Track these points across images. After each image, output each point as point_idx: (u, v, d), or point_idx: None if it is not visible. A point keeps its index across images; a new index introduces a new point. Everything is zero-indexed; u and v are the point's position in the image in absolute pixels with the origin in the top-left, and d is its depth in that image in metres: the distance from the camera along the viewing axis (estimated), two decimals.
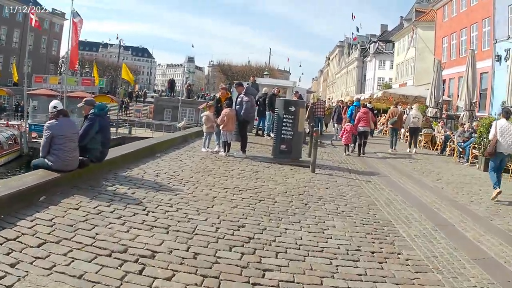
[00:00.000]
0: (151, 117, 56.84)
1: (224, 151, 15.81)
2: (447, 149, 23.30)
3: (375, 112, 31.59)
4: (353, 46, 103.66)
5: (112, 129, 38.96)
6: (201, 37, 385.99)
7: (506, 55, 32.61)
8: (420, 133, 25.57)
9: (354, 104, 23.76)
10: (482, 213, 10.68)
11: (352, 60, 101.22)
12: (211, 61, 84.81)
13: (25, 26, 72.44)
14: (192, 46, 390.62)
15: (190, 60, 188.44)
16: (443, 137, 24.31)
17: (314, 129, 16.32)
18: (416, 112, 23.97)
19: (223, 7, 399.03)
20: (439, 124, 26.25)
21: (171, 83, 63.04)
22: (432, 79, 29.86)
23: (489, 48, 35.07)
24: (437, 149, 24.84)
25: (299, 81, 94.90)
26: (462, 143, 21.02)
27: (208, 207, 8.43)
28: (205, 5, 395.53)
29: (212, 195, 9.48)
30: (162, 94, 76.21)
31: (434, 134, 26.02)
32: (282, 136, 15.39)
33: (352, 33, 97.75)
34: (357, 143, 20.34)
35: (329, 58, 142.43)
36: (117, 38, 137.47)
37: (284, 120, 15.31)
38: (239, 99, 15.96)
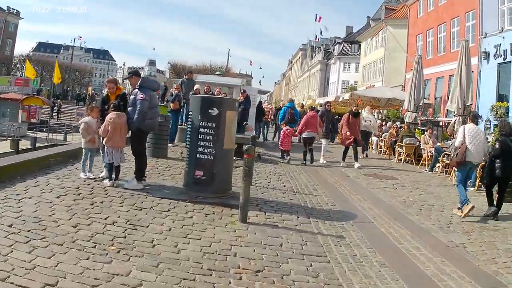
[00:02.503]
0: None
1: (110, 179, 10.00)
2: (439, 165, 17.39)
3: (336, 117, 29.59)
4: (317, 49, 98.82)
5: (43, 135, 34.25)
6: (163, 41, 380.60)
7: (496, 51, 27.46)
8: (400, 143, 20.85)
9: (287, 105, 21.94)
10: None
11: (315, 63, 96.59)
12: (168, 63, 78.98)
13: None
14: (154, 49, 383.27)
15: (152, 63, 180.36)
16: (432, 149, 18.47)
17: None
18: (367, 115, 23.18)
19: (187, 10, 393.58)
20: (426, 133, 20.26)
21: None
22: (411, 79, 24.53)
23: (474, 44, 29.70)
24: (423, 165, 19.14)
25: (260, 84, 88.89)
26: None
27: None
28: (168, 9, 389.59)
29: None
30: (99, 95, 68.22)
31: (419, 145, 20.27)
32: (197, 156, 9.45)
33: (316, 35, 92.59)
34: (302, 151, 17.75)
35: (291, 62, 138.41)
36: (79, 39, 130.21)
37: (200, 130, 9.39)
38: (132, 97, 10.04)
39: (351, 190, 12.53)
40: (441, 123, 28.98)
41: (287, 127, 18.22)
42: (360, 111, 20.32)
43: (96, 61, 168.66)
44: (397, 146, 21.27)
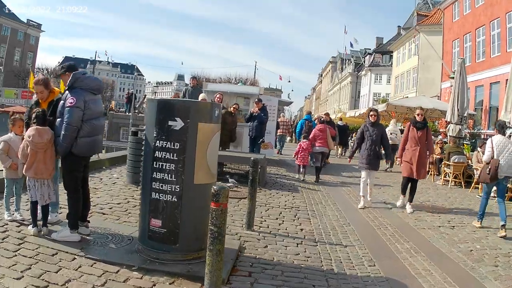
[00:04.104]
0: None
1: (34, 225, 6.58)
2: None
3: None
4: (347, 61, 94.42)
5: None
6: (192, 55, 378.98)
7: None
8: (447, 162, 16.80)
9: (304, 118, 20.46)
10: None
11: (346, 75, 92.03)
12: (191, 74, 75.20)
13: None
14: (182, 64, 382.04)
15: (180, 77, 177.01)
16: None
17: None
18: (393, 127, 21.89)
19: (215, 25, 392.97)
20: (479, 149, 16.14)
21: (130, 97, 46.95)
22: (454, 86, 20.56)
23: None
24: (476, 188, 15.18)
25: (289, 97, 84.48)
26: None
27: None
28: (196, 24, 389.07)
29: None
30: (120, 110, 63.23)
31: (468, 164, 16.44)
32: (152, 195, 5.92)
33: (345, 47, 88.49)
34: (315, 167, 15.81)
35: (321, 75, 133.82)
36: (106, 54, 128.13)
37: (156, 154, 5.88)
38: (61, 103, 6.46)
39: (395, 234, 8.76)
40: (483, 136, 25.10)
41: (304, 141, 15.63)
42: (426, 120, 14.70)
43: (124, 75, 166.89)
44: (443, 165, 17.30)
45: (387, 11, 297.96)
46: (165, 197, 5.78)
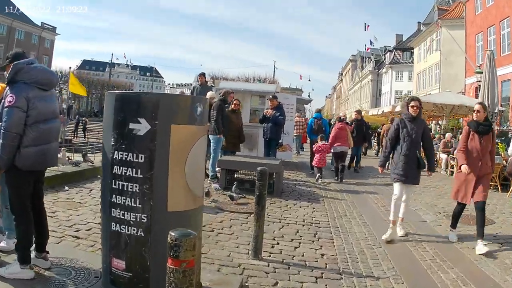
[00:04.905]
0: None
1: None
2: None
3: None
4: (367, 59, 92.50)
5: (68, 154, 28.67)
6: (211, 57, 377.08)
7: None
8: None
9: (314, 116, 18.54)
10: None
11: (366, 73, 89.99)
12: (208, 74, 72.90)
13: (9, 40, 66.97)
14: (201, 65, 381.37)
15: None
16: None
17: None
18: None
19: (234, 26, 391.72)
20: None
21: None
22: (483, 81, 18.84)
23: None
24: None
25: (309, 96, 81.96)
26: None
27: None
28: (214, 26, 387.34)
29: None
30: None
31: (504, 165, 14.58)
32: (112, 226, 4.25)
33: (365, 46, 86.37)
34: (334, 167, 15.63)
35: (341, 74, 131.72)
36: (124, 57, 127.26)
37: (115, 169, 4.21)
38: (2, 101, 4.77)
39: (435, 257, 6.94)
40: (510, 134, 23.22)
41: (322, 142, 14.79)
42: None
43: (143, 78, 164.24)
44: None
45: (406, 7, 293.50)
46: (128, 230, 4.15)
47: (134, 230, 4.13)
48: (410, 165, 7.92)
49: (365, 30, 68.64)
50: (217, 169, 12.18)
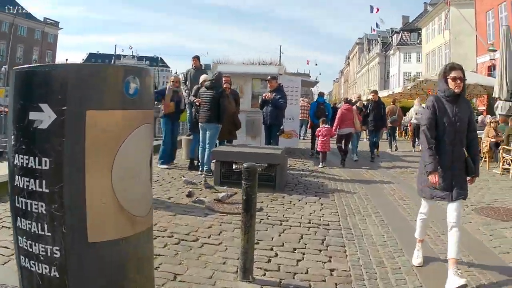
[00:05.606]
0: None
1: None
2: None
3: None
4: (374, 42, 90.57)
5: None
6: (218, 44, 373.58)
7: None
8: (506, 147, 13.50)
9: (316, 100, 17.81)
10: None
11: (374, 56, 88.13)
12: (213, 61, 70.90)
13: (12, 36, 67.81)
14: (207, 54, 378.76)
15: (206, 67, 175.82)
16: None
17: None
18: (418, 107, 20.67)
19: (239, 13, 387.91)
20: None
21: None
22: (500, 59, 17.42)
23: None
24: None
25: (318, 81, 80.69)
26: None
27: None
28: (221, 12, 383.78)
29: None
30: None
31: None
32: (21, 261, 2.82)
33: (371, 28, 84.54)
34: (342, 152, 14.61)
35: (348, 58, 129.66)
36: (130, 48, 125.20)
37: (17, 181, 2.75)
38: None
39: (474, 259, 5.58)
40: None
41: (324, 125, 14.36)
42: None
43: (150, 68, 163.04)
44: (501, 151, 13.75)
45: None
46: (38, 268, 2.77)
47: (46, 268, 2.75)
48: (455, 170, 5.15)
49: (371, 12, 66.63)
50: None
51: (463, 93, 5.18)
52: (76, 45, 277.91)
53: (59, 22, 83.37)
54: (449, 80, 5.07)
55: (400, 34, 75.39)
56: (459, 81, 5.02)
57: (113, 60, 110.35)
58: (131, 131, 2.95)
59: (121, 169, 2.86)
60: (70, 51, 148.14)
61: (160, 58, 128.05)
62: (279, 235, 6.46)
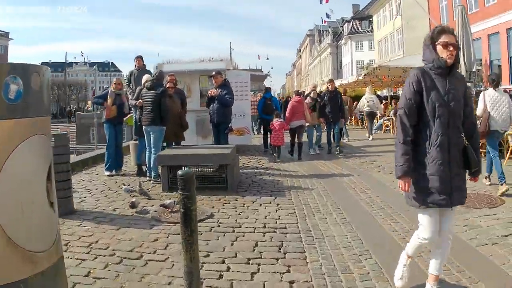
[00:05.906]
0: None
1: None
2: None
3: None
4: (324, 32, 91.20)
5: None
6: (169, 45, 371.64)
7: None
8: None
9: (263, 95, 17.79)
10: None
11: (325, 47, 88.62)
12: (156, 67, 70.45)
13: None
14: (158, 55, 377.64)
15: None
16: None
17: None
18: (370, 95, 21.31)
19: (187, 12, 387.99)
20: None
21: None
22: (457, 39, 16.75)
23: None
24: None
25: (269, 76, 79.68)
26: None
27: None
28: (171, 12, 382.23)
29: None
30: (89, 109, 58.14)
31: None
32: None
33: (322, 19, 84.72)
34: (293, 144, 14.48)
35: (300, 50, 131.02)
36: (82, 55, 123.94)
37: None
38: None
39: (450, 255, 4.80)
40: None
41: (277, 119, 14.19)
42: None
43: (102, 74, 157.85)
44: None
45: None
46: None
47: None
48: (453, 166, 3.97)
49: (320, 3, 66.52)
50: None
51: (456, 65, 4.01)
52: (29, 55, 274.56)
53: (9, 32, 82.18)
54: (439, 47, 3.92)
55: (351, 23, 75.71)
56: (451, 48, 3.85)
57: (64, 68, 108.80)
58: (15, 146, 2.25)
59: (6, 194, 2.16)
60: (22, 61, 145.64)
61: (112, 63, 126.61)
62: (232, 245, 5.81)
